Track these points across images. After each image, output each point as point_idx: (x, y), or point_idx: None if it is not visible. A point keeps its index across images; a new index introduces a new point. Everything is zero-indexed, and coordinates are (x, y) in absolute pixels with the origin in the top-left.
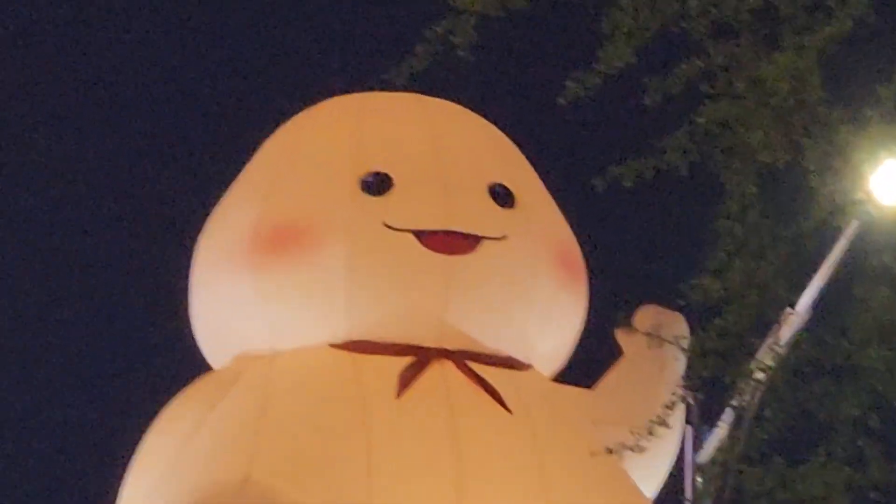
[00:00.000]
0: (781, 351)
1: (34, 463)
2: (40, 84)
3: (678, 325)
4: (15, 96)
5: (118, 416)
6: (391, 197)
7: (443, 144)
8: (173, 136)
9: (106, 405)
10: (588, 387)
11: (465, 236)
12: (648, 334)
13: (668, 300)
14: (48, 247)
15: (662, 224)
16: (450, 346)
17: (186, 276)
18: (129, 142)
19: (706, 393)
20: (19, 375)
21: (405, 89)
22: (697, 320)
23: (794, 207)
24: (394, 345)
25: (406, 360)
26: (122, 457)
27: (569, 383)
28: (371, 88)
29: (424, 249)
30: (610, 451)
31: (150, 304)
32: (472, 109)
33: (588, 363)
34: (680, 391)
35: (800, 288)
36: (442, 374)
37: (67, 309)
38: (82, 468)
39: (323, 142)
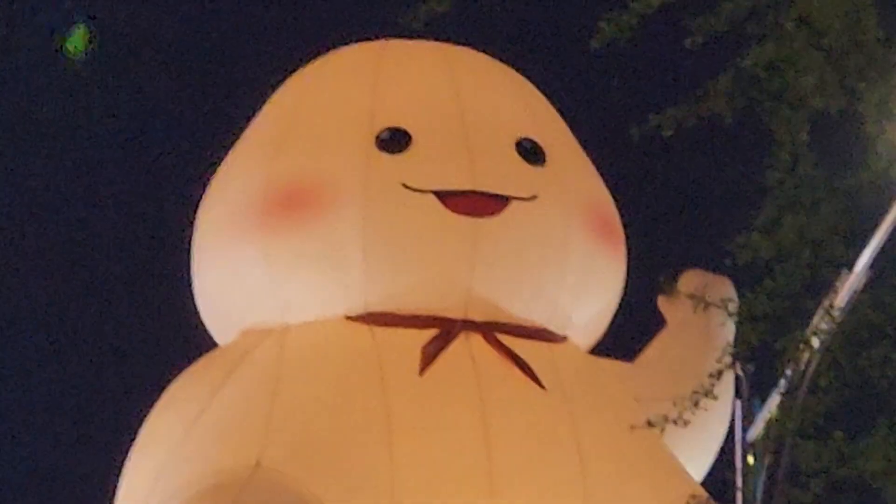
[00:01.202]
0: (838, 314)
1: (34, 445)
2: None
3: (725, 289)
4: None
5: (118, 397)
6: (410, 155)
7: (466, 97)
8: (169, 88)
9: (105, 386)
10: (628, 360)
11: (492, 196)
12: (693, 296)
13: (714, 261)
14: (46, 221)
15: (706, 178)
16: (477, 317)
17: (188, 245)
18: (119, 95)
19: (756, 362)
20: (19, 353)
21: (423, 34)
22: (746, 282)
23: (850, 157)
24: (416, 316)
25: (429, 333)
26: (124, 441)
27: (607, 356)
28: (387, 33)
29: (447, 211)
30: (651, 425)
31: (150, 275)
32: (497, 56)
33: (628, 334)
34: (728, 359)
35: (857, 245)
36: (468, 347)
37: (64, 284)
38: (82, 451)
39: (335, 95)
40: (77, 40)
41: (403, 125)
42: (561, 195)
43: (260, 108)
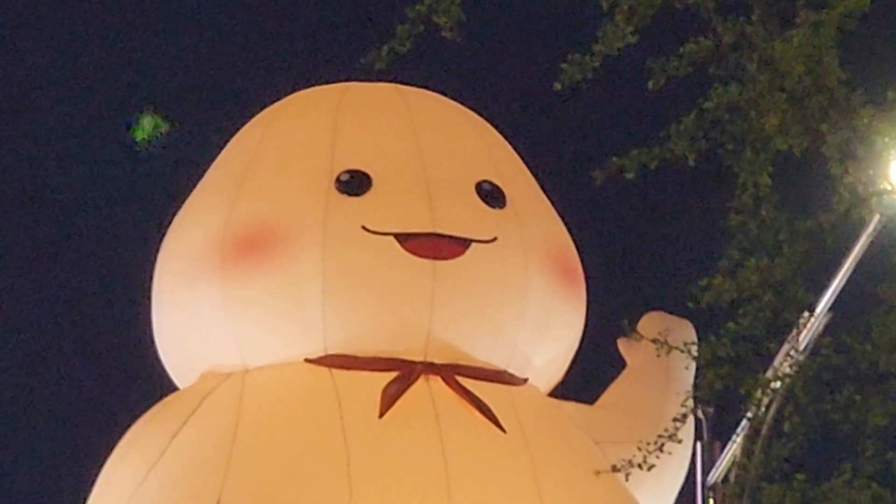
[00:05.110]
0: (800, 357)
1: None
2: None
3: (686, 332)
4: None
5: (75, 444)
6: (370, 197)
7: (425, 140)
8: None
9: (63, 432)
10: (589, 402)
11: (452, 239)
12: (655, 340)
13: (675, 304)
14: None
15: (668, 220)
16: (437, 360)
17: (149, 286)
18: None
19: (718, 405)
20: None
21: (385, 74)
22: (708, 325)
23: (813, 200)
24: (375, 359)
25: (389, 376)
26: (82, 488)
27: (568, 398)
28: (348, 74)
29: (407, 254)
30: (615, 470)
31: (108, 318)
32: (458, 97)
33: (589, 376)
34: (690, 403)
35: (819, 288)
36: (429, 390)
37: (20, 335)
38: (41, 501)
39: (295, 138)
40: (145, 128)
41: (363, 168)
42: (521, 238)
43: (219, 150)
